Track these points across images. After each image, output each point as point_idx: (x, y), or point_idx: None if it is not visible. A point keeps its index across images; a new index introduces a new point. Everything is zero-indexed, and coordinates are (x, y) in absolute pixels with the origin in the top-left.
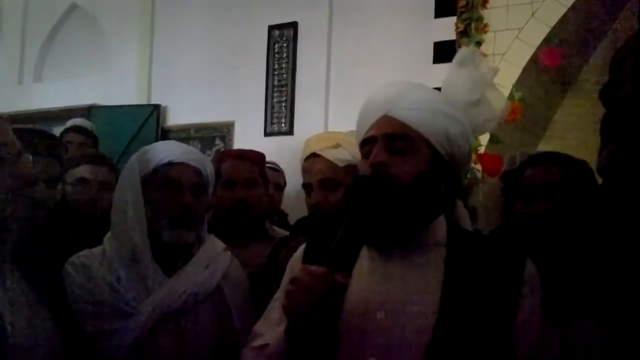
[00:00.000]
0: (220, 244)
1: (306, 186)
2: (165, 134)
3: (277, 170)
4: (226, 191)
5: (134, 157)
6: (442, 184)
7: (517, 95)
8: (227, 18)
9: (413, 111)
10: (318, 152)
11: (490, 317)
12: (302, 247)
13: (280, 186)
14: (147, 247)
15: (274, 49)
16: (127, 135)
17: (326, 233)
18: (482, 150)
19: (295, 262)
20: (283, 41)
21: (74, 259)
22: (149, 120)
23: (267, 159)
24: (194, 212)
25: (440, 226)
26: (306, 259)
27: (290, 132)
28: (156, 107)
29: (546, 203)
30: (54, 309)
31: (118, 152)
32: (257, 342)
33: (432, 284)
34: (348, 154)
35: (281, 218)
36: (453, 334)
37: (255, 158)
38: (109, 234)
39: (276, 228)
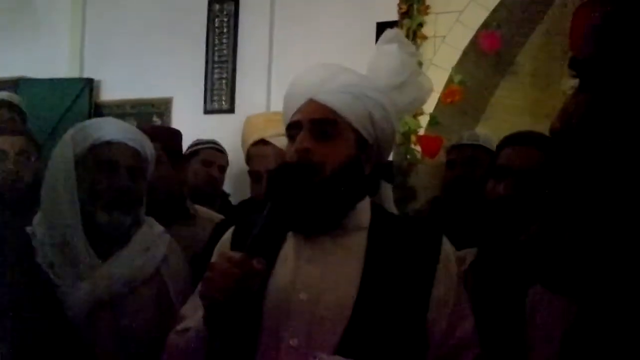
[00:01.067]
0: (159, 227)
1: (253, 173)
2: (99, 109)
3: (220, 151)
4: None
5: (68, 134)
6: (367, 168)
7: (457, 78)
8: None
9: (338, 95)
10: (268, 139)
11: (407, 296)
12: (230, 230)
13: (223, 167)
14: (80, 230)
15: (214, 24)
16: (58, 110)
17: (255, 217)
18: (421, 131)
19: (222, 245)
20: (224, 15)
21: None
22: (81, 95)
23: (208, 137)
24: (130, 195)
25: (364, 210)
26: (234, 242)
27: (231, 110)
28: (89, 81)
29: (518, 186)
30: None
31: (48, 129)
32: (181, 326)
33: (353, 266)
34: None
35: (223, 199)
36: (371, 315)
37: (156, 135)
38: (38, 215)
39: (198, 207)
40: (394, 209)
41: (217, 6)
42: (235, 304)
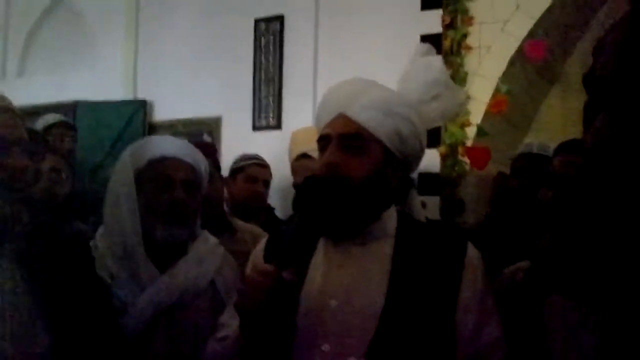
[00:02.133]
0: (213, 239)
1: (297, 187)
2: (152, 129)
3: (264, 166)
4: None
5: (127, 151)
6: (394, 180)
7: (504, 88)
8: (212, 12)
9: (367, 111)
10: (309, 153)
11: (434, 300)
12: (263, 241)
13: (267, 182)
14: (140, 243)
15: (261, 43)
16: (113, 131)
17: (286, 228)
18: (469, 143)
19: (256, 256)
20: (269, 34)
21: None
22: (135, 116)
23: (256, 153)
24: (185, 209)
25: (390, 219)
26: (267, 253)
27: (278, 126)
28: (143, 103)
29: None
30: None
31: (105, 149)
32: (220, 334)
33: (380, 272)
34: None
35: (268, 213)
36: (398, 319)
37: (207, 151)
38: (101, 228)
39: (238, 221)
40: (422, 217)
41: (263, 25)
42: (267, 314)
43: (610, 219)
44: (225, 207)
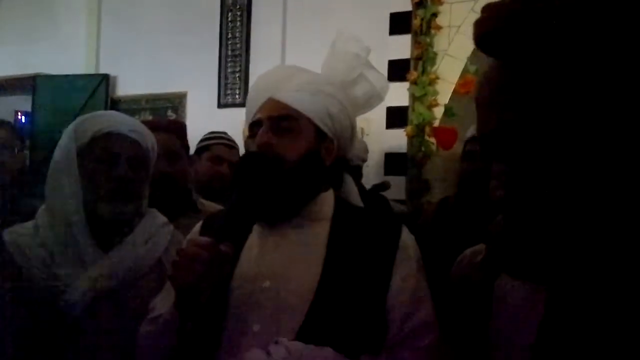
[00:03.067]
0: (162, 218)
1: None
2: (115, 104)
3: (231, 146)
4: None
5: (70, 126)
6: (327, 160)
7: (472, 69)
8: None
9: (295, 93)
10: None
11: (367, 283)
12: (200, 223)
13: (233, 163)
14: (83, 221)
15: (228, 18)
16: (75, 106)
17: (223, 210)
18: (436, 123)
19: (193, 232)
20: (237, 9)
21: (7, 234)
22: (97, 91)
23: (222, 130)
24: (130, 185)
25: (327, 201)
26: (203, 229)
27: (244, 103)
28: (105, 77)
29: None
30: None
31: (66, 124)
32: (150, 315)
33: (315, 255)
34: None
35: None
36: (331, 301)
37: (176, 129)
38: (42, 207)
39: (204, 201)
40: (359, 202)
41: (230, 0)
42: (204, 287)
43: (556, 199)
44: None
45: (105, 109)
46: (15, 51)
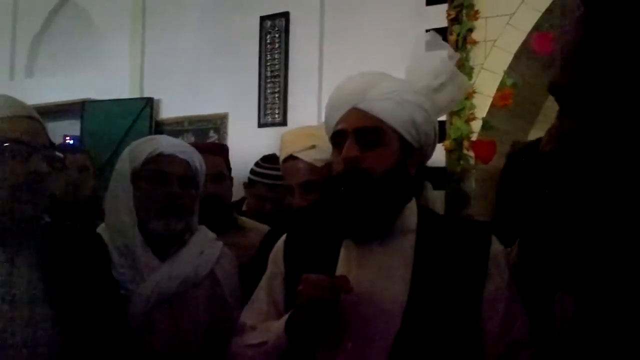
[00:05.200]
0: (211, 234)
1: (288, 188)
2: (159, 127)
3: (275, 186)
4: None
5: (126, 150)
6: (412, 170)
7: (509, 82)
8: (218, 9)
9: (381, 102)
10: (295, 155)
11: (458, 297)
12: (282, 239)
13: (278, 200)
14: (138, 235)
15: (266, 40)
16: (120, 129)
17: (306, 226)
18: (474, 137)
19: (277, 254)
20: (275, 31)
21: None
22: (142, 114)
23: (262, 150)
24: (180, 202)
25: (411, 212)
26: (287, 251)
27: (284, 123)
28: (149, 101)
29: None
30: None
31: (113, 146)
32: (255, 339)
33: (402, 269)
34: (325, 153)
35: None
36: (422, 316)
37: (219, 151)
38: (102, 225)
39: (243, 218)
40: (440, 210)
41: (268, 23)
42: (326, 323)
43: (589, 213)
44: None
45: (150, 131)
46: (63, 78)
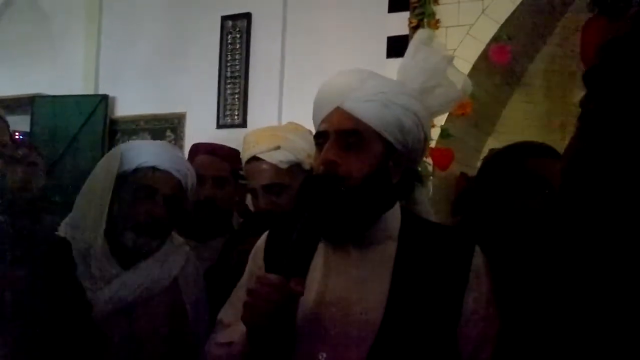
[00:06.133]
0: (179, 239)
1: (251, 190)
2: (113, 125)
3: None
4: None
5: (117, 149)
6: (396, 177)
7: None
8: (178, 7)
9: (365, 104)
10: (259, 156)
11: (436, 309)
12: (263, 236)
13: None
14: (101, 242)
15: (227, 40)
16: (73, 126)
17: (285, 224)
18: (432, 144)
19: (257, 252)
20: (236, 32)
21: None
22: (96, 111)
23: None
24: (162, 224)
25: (393, 218)
26: (267, 256)
27: (243, 124)
28: (104, 98)
29: (542, 199)
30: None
31: (64, 144)
32: (222, 337)
33: (381, 278)
34: (290, 154)
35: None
36: (398, 330)
37: (227, 155)
38: (67, 219)
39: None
40: (430, 212)
41: (229, 22)
42: (276, 325)
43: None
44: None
45: (104, 129)
46: (13, 71)
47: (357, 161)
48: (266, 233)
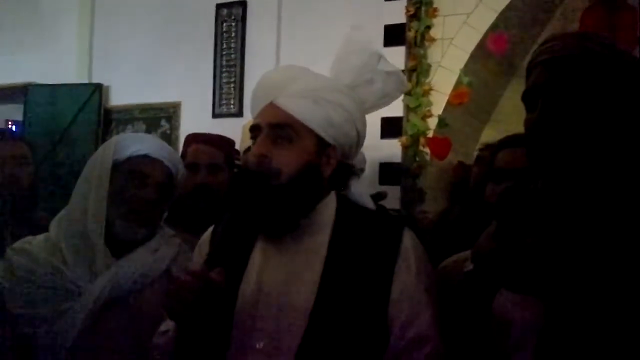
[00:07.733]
0: (169, 231)
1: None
2: (108, 114)
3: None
4: (189, 174)
5: (113, 139)
6: (328, 169)
7: (465, 80)
8: None
9: (296, 100)
10: None
11: (366, 294)
12: (210, 229)
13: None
14: (101, 235)
15: (222, 28)
16: (67, 115)
17: (231, 217)
18: (430, 134)
19: (202, 245)
20: (231, 20)
21: (16, 244)
22: (90, 100)
23: None
24: (153, 208)
25: (329, 207)
26: (212, 241)
27: (239, 113)
28: (98, 87)
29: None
30: None
31: (58, 133)
32: (164, 326)
33: (314, 268)
34: None
35: None
36: (328, 317)
37: (221, 143)
38: (62, 211)
39: None
40: (369, 204)
41: (224, 11)
42: (196, 314)
43: (558, 214)
44: None
45: (99, 118)
46: (6, 60)
47: (288, 155)
48: (213, 226)
